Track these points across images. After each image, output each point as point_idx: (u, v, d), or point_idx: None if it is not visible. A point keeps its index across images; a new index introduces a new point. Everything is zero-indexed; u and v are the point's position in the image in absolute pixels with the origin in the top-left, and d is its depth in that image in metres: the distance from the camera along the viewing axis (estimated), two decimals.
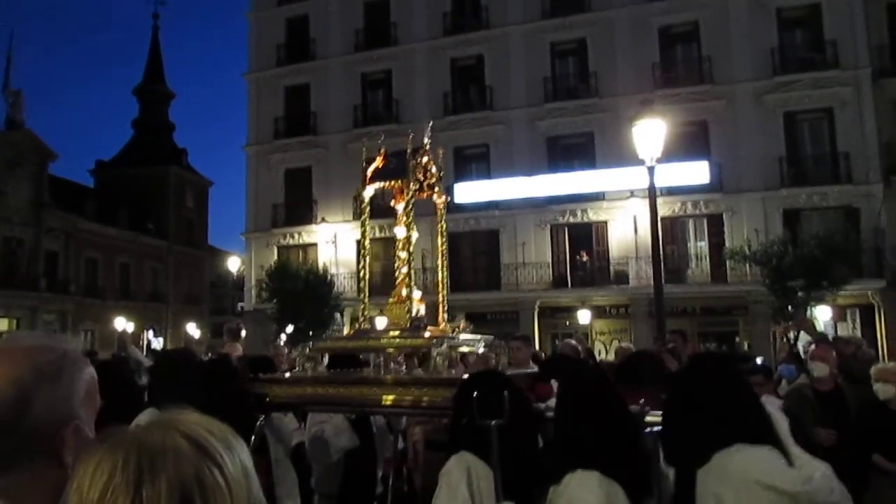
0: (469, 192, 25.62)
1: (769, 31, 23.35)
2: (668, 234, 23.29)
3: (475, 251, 26.50)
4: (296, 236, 28.26)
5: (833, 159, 22.42)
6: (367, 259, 3.91)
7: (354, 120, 27.59)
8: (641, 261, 22.22)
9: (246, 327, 22.32)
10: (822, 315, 18.50)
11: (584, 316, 23.95)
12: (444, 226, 4.06)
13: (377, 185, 3.75)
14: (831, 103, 22.55)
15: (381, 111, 27.76)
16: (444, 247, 4.06)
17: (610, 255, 24.19)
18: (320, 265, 25.74)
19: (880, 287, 20.77)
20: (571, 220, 24.84)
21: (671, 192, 22.37)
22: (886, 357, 14.68)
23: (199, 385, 3.25)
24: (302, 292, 23.27)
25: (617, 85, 23.89)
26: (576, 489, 2.29)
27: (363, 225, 3.88)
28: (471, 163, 26.72)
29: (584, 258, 24.86)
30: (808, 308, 18.31)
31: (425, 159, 3.70)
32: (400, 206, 3.80)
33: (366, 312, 3.70)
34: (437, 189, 3.81)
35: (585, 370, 3.33)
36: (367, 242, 3.88)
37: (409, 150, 3.58)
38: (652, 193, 10.21)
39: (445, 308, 3.83)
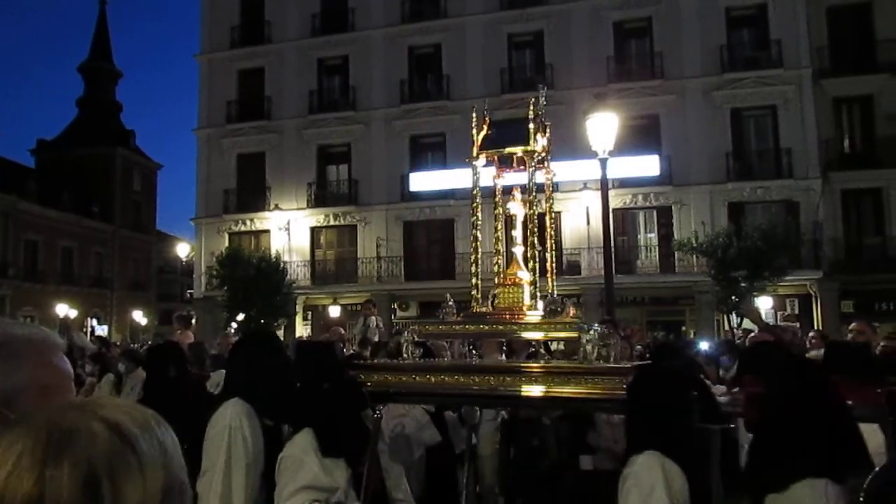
0: (425, 180, 25.67)
1: (718, 30, 24.01)
2: (619, 226, 23.83)
3: (430, 240, 26.60)
4: (248, 223, 27.81)
5: (776, 155, 23.28)
6: (479, 241, 3.44)
7: (310, 105, 27.24)
8: (593, 251, 22.68)
9: (195, 314, 21.90)
10: (764, 304, 19.26)
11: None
12: (552, 204, 3.59)
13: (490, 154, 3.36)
14: (775, 101, 23.37)
15: (337, 97, 27.49)
16: (552, 228, 3.63)
17: (563, 246, 24.60)
18: (273, 252, 25.44)
19: (817, 277, 21.74)
20: (527, 210, 25.10)
21: (623, 184, 22.88)
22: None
23: (306, 373, 3.10)
24: (253, 280, 22.96)
25: (572, 78, 24.21)
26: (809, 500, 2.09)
27: (473, 200, 3.39)
28: (427, 152, 26.74)
29: (538, 248, 25.20)
30: (752, 297, 19.05)
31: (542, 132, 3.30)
32: (507, 180, 3.49)
33: (488, 295, 3.29)
34: (547, 165, 3.46)
35: (800, 363, 2.85)
36: (478, 221, 3.41)
37: (532, 116, 3.26)
38: (604, 185, 10.47)
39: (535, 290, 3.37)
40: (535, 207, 3.29)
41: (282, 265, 24.50)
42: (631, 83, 23.69)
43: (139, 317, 41.47)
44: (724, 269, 19.65)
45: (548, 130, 3.39)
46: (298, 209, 26.93)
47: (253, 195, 27.47)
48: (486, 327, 3.18)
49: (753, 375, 2.54)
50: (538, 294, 3.15)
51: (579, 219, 23.83)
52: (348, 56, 27.29)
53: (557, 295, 3.17)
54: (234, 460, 2.87)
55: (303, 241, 27.00)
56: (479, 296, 3.29)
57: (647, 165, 23.12)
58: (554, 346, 5.77)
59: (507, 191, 3.49)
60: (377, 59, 26.71)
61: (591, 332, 2.74)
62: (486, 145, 3.36)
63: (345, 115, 26.85)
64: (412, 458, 3.93)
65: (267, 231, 27.40)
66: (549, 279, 3.34)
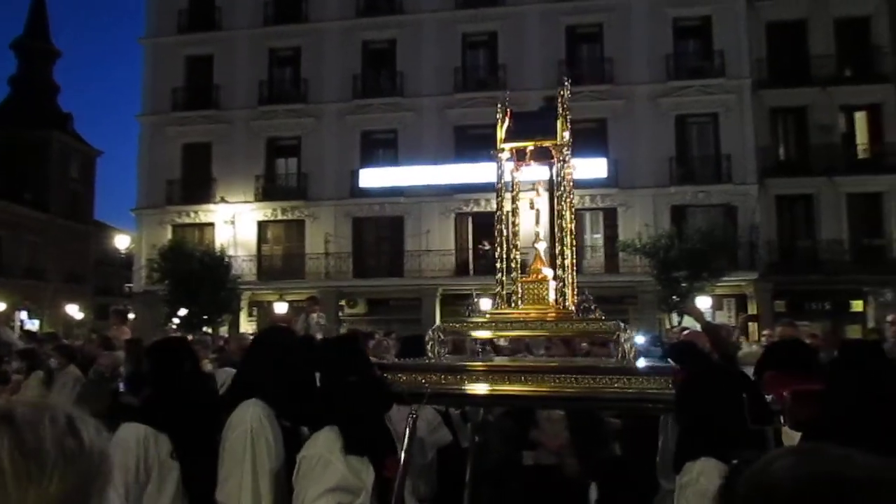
0: (375, 177, 25.59)
1: (666, 39, 24.75)
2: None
3: (379, 237, 26.54)
4: (192, 215, 27.13)
5: (717, 161, 24.16)
6: (508, 233, 3.39)
7: (260, 96, 26.76)
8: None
9: (134, 309, 21.26)
10: (703, 304, 19.99)
11: (485, 303, 24.49)
12: (565, 196, 3.43)
13: (513, 145, 3.27)
14: (717, 109, 24.24)
15: (288, 89, 27.10)
16: (572, 224, 3.44)
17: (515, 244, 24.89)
18: (217, 246, 24.90)
19: (753, 278, 22.70)
20: (476, 209, 25.34)
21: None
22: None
23: (330, 368, 2.91)
24: (197, 274, 22.43)
25: (524, 79, 24.51)
26: None
27: (499, 194, 3.37)
28: (378, 148, 26.65)
29: (487, 247, 25.47)
30: (693, 297, 19.77)
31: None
32: (524, 174, 3.41)
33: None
34: (567, 158, 3.35)
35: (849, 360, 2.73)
36: (507, 208, 3.36)
37: (563, 102, 3.20)
38: (551, 186, 10.74)
39: (575, 290, 3.29)
40: (563, 202, 3.26)
41: (227, 259, 24.02)
42: (581, 87, 24.15)
43: (75, 311, 39.86)
44: (666, 270, 20.33)
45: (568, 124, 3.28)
46: (245, 202, 26.43)
47: (198, 186, 26.81)
48: (516, 329, 3.11)
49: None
50: (569, 291, 3.08)
51: (529, 218, 24.12)
52: (301, 47, 26.92)
53: (588, 294, 3.09)
54: (260, 466, 2.70)
55: (249, 236, 26.52)
56: (504, 293, 3.20)
57: (595, 168, 23.64)
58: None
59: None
60: (330, 51, 26.45)
61: (628, 331, 2.73)
62: (508, 138, 3.28)
63: (296, 108, 26.49)
64: (425, 461, 3.81)
65: (212, 224, 26.80)
66: (570, 276, 3.19)
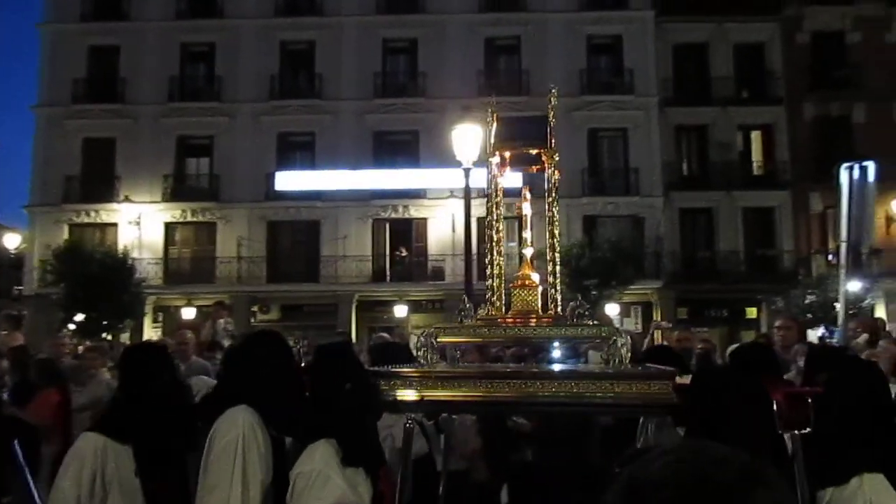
0: (291, 180, 25.07)
1: (580, 55, 25.65)
2: (483, 234, 24.60)
3: (295, 241, 25.99)
4: (92, 214, 25.62)
5: (625, 174, 25.22)
6: (494, 242, 3.30)
7: (170, 92, 25.65)
8: (458, 258, 23.23)
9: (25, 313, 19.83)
10: (612, 311, 20.77)
11: (400, 310, 24.53)
12: (556, 203, 3.38)
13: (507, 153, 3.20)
14: (626, 124, 25.32)
15: (201, 86, 26.14)
16: (553, 227, 3.41)
17: (428, 252, 25.01)
18: (120, 248, 23.63)
19: (658, 286, 23.80)
20: (393, 215, 25.29)
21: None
22: None
23: (324, 376, 2.72)
24: (97, 277, 21.18)
25: (444, 87, 24.75)
26: (871, 493, 2.20)
27: (489, 200, 3.34)
28: (295, 150, 26.14)
29: (404, 253, 25.46)
30: (604, 304, 20.50)
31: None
32: (509, 179, 3.34)
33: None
34: (555, 164, 3.30)
35: (861, 364, 2.92)
36: (496, 222, 3.31)
37: (551, 115, 3.18)
38: (467, 195, 10.91)
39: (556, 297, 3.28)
40: (554, 211, 3.19)
41: (130, 262, 22.82)
42: (499, 97, 24.57)
43: None
44: (577, 278, 20.96)
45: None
46: (152, 202, 25.22)
47: (100, 184, 25.35)
48: (511, 333, 3.06)
49: None
50: (556, 297, 3.05)
51: (445, 226, 24.36)
52: (215, 44, 26.04)
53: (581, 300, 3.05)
54: (251, 475, 2.53)
55: (156, 238, 25.32)
56: (495, 298, 3.14)
57: (511, 177, 24.09)
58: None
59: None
60: (247, 50, 25.71)
61: (626, 335, 2.72)
62: (498, 143, 3.21)
63: (208, 106, 25.56)
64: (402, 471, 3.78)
65: (114, 224, 25.40)
66: (556, 280, 3.19)
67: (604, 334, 2.86)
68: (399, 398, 2.64)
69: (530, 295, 3.08)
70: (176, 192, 25.47)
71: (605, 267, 20.53)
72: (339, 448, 2.46)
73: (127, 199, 25.11)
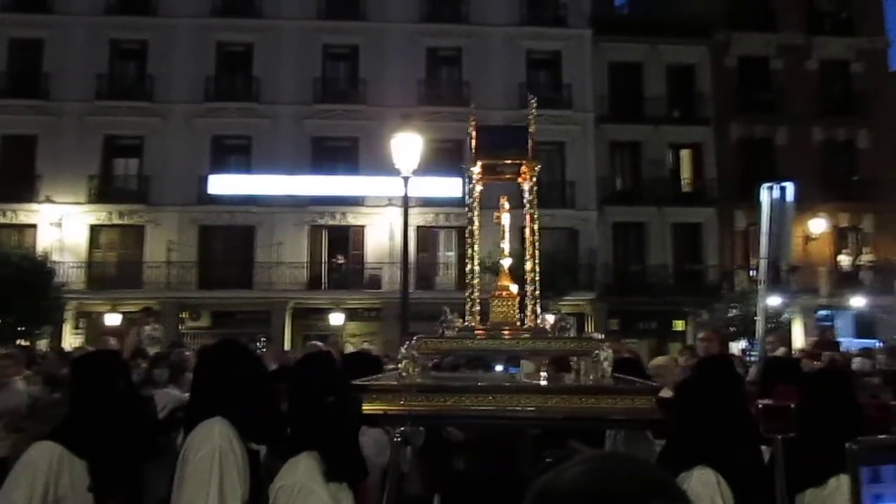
0: (226, 183, 24.46)
1: (520, 69, 26.05)
2: (421, 242, 24.65)
3: (228, 246, 25.33)
4: (9, 214, 24.28)
5: (562, 187, 25.72)
6: (476, 251, 3.31)
7: (98, 90, 24.60)
8: (395, 266, 23.14)
9: None
10: (548, 321, 21.09)
11: (336, 318, 24.23)
12: (537, 215, 3.41)
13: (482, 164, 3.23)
14: (564, 138, 25.83)
15: (131, 85, 25.19)
16: (534, 238, 3.44)
17: (365, 260, 24.82)
18: (39, 250, 22.47)
19: (591, 298, 24.33)
20: (331, 222, 25.00)
21: (427, 203, 23.73)
22: None
23: (306, 388, 2.61)
24: (13, 280, 20.04)
25: (385, 95, 24.68)
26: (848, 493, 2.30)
27: (471, 209, 3.32)
28: (230, 154, 25.53)
29: (341, 261, 25.18)
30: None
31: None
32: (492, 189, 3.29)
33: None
34: (535, 176, 3.31)
35: (832, 374, 3.08)
36: (475, 229, 3.31)
37: (531, 127, 3.21)
38: (405, 203, 10.88)
39: (534, 306, 3.30)
40: (535, 221, 3.26)
41: (50, 265, 21.72)
42: (439, 107, 24.74)
43: None
44: None
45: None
46: (76, 203, 24.10)
47: (18, 183, 24.05)
48: (493, 344, 3.02)
49: None
50: (535, 309, 3.07)
51: (383, 234, 24.24)
52: (147, 42, 25.16)
53: (564, 314, 3.09)
54: (229, 490, 2.44)
55: (79, 240, 24.19)
56: (474, 309, 3.13)
57: (451, 187, 24.25)
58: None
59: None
60: (181, 49, 24.95)
61: (608, 349, 2.73)
62: (480, 153, 3.23)
63: (139, 105, 24.64)
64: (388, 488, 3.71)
65: (34, 226, 24.14)
66: (531, 293, 3.19)
67: (585, 348, 2.88)
68: (382, 411, 2.60)
69: (508, 306, 3.10)
70: (102, 193, 24.42)
71: (541, 278, 20.83)
72: (321, 461, 2.40)
73: (48, 200, 23.91)
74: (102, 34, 24.87)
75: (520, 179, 3.41)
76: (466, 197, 3.28)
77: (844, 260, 25.95)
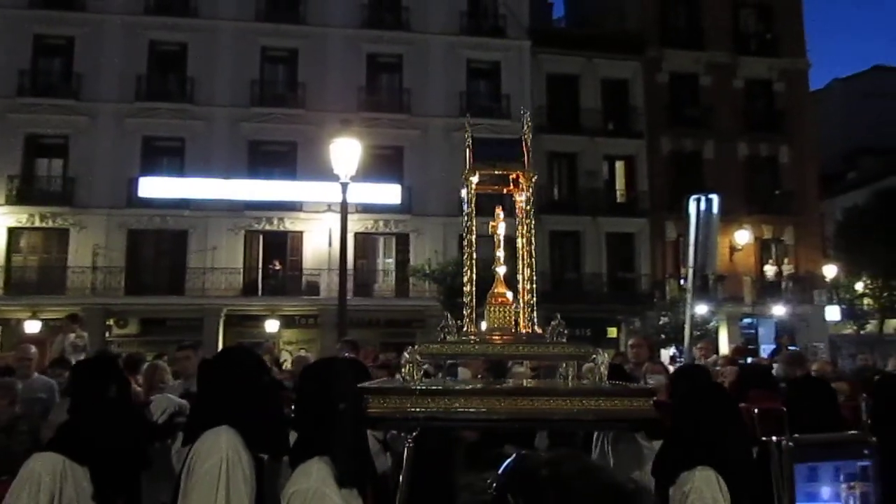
0: (157, 186, 23.66)
1: (460, 78, 26.28)
2: (360, 249, 24.47)
3: (159, 251, 24.50)
4: None
5: (501, 195, 26.02)
6: (474, 261, 3.32)
7: (19, 86, 23.43)
8: (333, 273, 22.86)
9: None
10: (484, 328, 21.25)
11: (272, 325, 23.76)
12: (532, 223, 3.46)
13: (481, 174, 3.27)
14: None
15: (57, 82, 24.13)
16: (535, 248, 3.46)
17: (303, 266, 24.45)
18: None
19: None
20: (267, 227, 24.53)
21: (366, 209, 23.61)
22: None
23: (316, 394, 2.56)
24: None
25: (324, 100, 24.41)
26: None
27: (466, 220, 3.30)
28: (162, 156, 24.74)
29: (278, 267, 24.72)
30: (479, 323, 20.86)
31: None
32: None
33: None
34: (533, 188, 3.41)
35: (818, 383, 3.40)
36: (473, 238, 3.34)
37: (526, 137, 3.26)
38: (344, 209, 10.77)
39: (530, 313, 3.33)
40: (531, 231, 3.32)
41: None
42: (379, 114, 24.68)
43: None
44: (452, 296, 21.25)
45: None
46: None
47: None
48: (494, 349, 3.10)
49: None
50: (530, 315, 3.14)
51: (321, 240, 23.91)
52: (74, 38, 24.13)
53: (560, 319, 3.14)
54: (235, 501, 2.39)
55: None
56: (472, 315, 3.17)
57: (390, 194, 24.19)
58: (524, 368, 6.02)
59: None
60: (111, 47, 24.04)
61: (604, 354, 2.84)
62: (475, 163, 3.28)
63: (64, 104, 23.58)
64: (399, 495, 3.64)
65: None
66: (522, 299, 3.26)
67: (582, 353, 2.98)
68: (390, 415, 2.64)
69: (506, 312, 3.16)
70: (23, 194, 23.22)
71: (479, 286, 20.97)
72: (332, 466, 2.39)
73: None
74: (25, 29, 23.71)
75: (511, 190, 3.55)
76: (465, 206, 3.34)
77: (770, 270, 27.20)
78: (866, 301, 26.52)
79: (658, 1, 28.22)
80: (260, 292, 24.18)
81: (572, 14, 33.46)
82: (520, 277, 3.33)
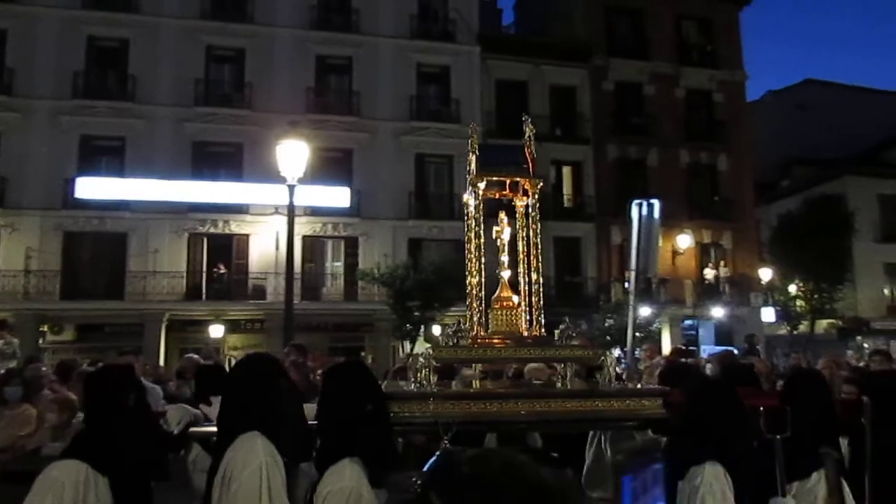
0: (95, 187, 22.81)
1: (410, 81, 26.31)
2: (307, 253, 24.16)
3: (96, 254, 23.62)
4: None
5: (450, 199, 26.10)
6: (478, 266, 3.39)
7: None
8: (280, 276, 22.49)
9: None
10: (436, 332, 21.24)
11: (216, 330, 23.20)
12: (537, 229, 3.51)
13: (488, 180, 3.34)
14: (452, 151, 26.22)
15: None
16: (537, 252, 3.50)
17: (249, 269, 23.98)
18: None
19: None
20: (212, 230, 23.96)
21: (314, 212, 23.33)
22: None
23: (342, 397, 2.60)
24: None
25: (272, 101, 24.05)
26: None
27: (474, 225, 3.39)
28: (101, 155, 23.87)
29: (223, 271, 24.16)
30: (431, 326, 20.88)
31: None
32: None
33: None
34: (538, 194, 3.49)
35: (816, 381, 3.47)
36: (479, 242, 3.40)
37: (529, 144, 3.33)
38: (291, 212, 10.61)
39: (538, 316, 3.38)
40: (538, 235, 3.39)
41: None
42: (328, 116, 24.44)
43: None
44: (401, 299, 21.21)
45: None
46: None
47: None
48: (504, 353, 3.16)
49: None
50: (538, 318, 3.20)
51: (268, 243, 23.52)
52: (6, 31, 23.12)
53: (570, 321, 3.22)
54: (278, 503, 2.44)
55: None
56: (477, 320, 3.20)
57: (339, 197, 23.96)
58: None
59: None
60: (45, 41, 23.11)
61: (614, 356, 2.95)
62: (481, 168, 3.32)
63: (3, 101, 22.58)
64: None
65: None
66: (532, 302, 3.33)
67: (591, 355, 3.08)
68: (412, 419, 2.70)
69: (512, 316, 3.23)
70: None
71: (428, 289, 20.98)
72: (364, 467, 2.42)
73: None
74: None
75: (508, 194, 3.62)
76: (472, 211, 3.41)
77: (709, 273, 28.10)
78: (799, 303, 27.63)
79: (604, 11, 28.87)
80: (204, 296, 23.58)
81: (521, 21, 33.88)
82: (522, 280, 3.41)
